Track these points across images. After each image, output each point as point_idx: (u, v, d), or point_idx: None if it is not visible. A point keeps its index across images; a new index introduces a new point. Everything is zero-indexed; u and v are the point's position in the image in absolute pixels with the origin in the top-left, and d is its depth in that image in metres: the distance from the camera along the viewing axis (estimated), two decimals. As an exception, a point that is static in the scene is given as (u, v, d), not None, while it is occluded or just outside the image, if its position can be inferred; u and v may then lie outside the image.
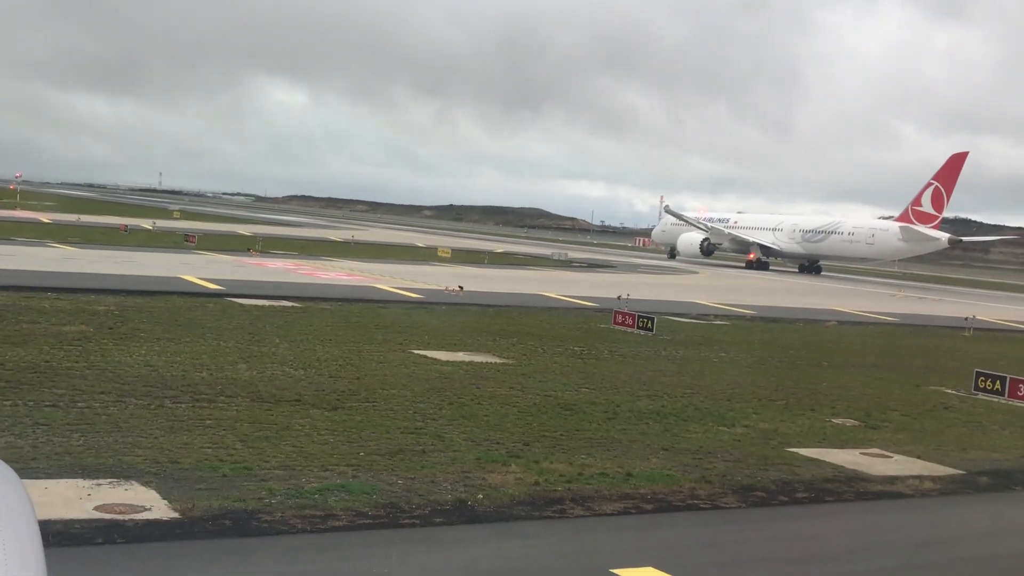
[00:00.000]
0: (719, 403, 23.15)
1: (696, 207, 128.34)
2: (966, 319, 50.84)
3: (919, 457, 19.17)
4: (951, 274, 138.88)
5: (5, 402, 16.92)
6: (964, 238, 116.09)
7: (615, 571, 11.54)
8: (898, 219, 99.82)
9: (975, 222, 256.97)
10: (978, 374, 28.21)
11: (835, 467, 17.72)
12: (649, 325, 35.73)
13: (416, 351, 27.11)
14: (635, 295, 47.77)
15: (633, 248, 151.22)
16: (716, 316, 46.20)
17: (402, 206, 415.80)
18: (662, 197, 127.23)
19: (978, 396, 27.36)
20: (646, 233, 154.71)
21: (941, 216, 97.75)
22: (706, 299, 54.74)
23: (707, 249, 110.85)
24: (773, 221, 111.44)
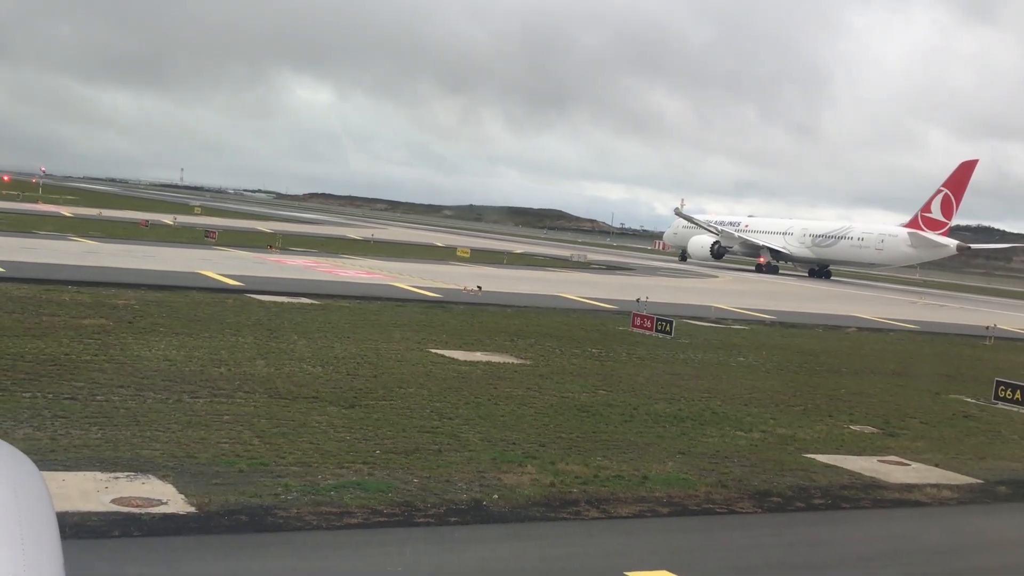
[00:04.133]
0: (737, 407, 23.06)
1: (716, 210, 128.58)
2: (987, 328, 50.53)
3: (937, 465, 19.05)
4: (972, 282, 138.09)
5: (24, 394, 17.02)
6: (972, 245, 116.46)
7: (629, 574, 11.50)
8: (907, 225, 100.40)
9: (997, 230, 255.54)
10: (998, 383, 28.02)
11: (852, 474, 17.63)
12: (667, 328, 35.64)
13: (434, 350, 27.13)
14: (654, 298, 47.68)
15: (652, 251, 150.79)
16: (735, 320, 46.05)
17: (422, 205, 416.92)
18: (682, 200, 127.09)
19: (997, 405, 27.17)
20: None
21: (950, 223, 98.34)
22: (725, 303, 54.56)
23: (717, 252, 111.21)
24: (783, 225, 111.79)
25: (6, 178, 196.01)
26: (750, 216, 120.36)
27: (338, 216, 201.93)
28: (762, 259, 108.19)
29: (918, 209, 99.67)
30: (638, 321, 37.04)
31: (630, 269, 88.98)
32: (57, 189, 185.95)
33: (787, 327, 46.25)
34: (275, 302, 35.04)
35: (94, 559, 10.33)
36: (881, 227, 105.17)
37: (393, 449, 15.83)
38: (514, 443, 17.13)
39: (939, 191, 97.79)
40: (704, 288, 71.09)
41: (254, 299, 35.46)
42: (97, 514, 11.54)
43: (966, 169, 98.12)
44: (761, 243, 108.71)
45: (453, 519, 12.87)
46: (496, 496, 13.86)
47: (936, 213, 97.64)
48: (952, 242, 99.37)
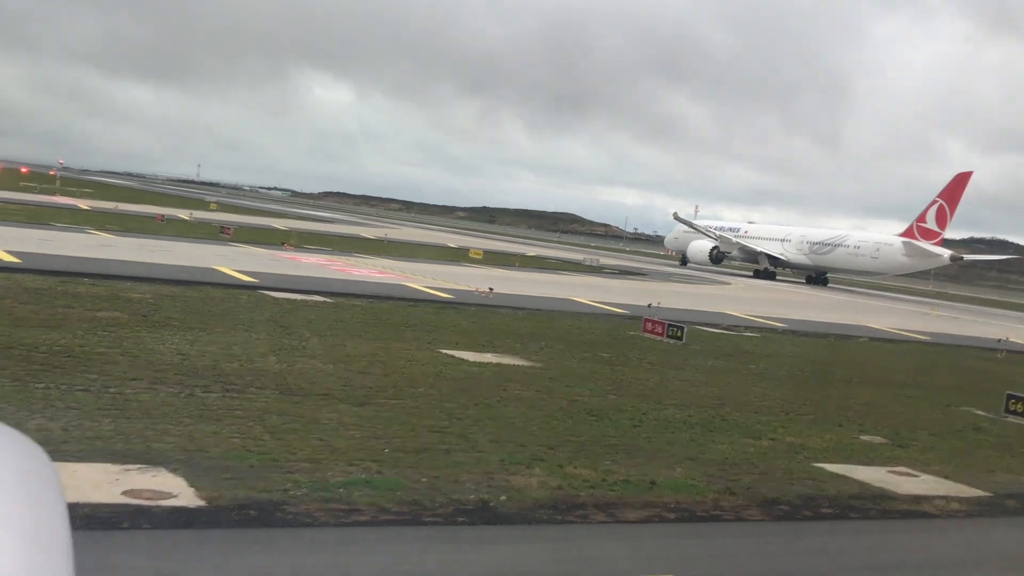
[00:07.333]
0: (746, 415, 23.04)
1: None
2: (999, 341, 50.35)
3: (946, 477, 19.00)
4: (985, 295, 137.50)
5: (38, 385, 17.13)
6: (967, 256, 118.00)
7: (635, 578, 11.52)
8: (903, 235, 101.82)
9: (1012, 243, 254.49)
10: (1009, 396, 27.90)
11: (861, 484, 17.59)
12: (679, 334, 35.61)
13: (444, 351, 27.17)
14: (665, 303, 47.63)
15: (665, 256, 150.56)
16: (746, 328, 45.99)
17: (436, 206, 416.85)
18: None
19: (1008, 419, 27.06)
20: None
21: (944, 233, 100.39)
22: (737, 310, 54.49)
23: (716, 257, 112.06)
24: (782, 232, 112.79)
25: (24, 170, 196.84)
26: (750, 223, 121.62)
27: (352, 215, 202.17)
28: (760, 265, 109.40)
29: (913, 219, 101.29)
30: (649, 326, 37.01)
31: (643, 274, 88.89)
32: (75, 182, 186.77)
33: (798, 336, 46.16)
34: (288, 299, 35.15)
35: (104, 550, 10.40)
36: (877, 236, 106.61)
37: (402, 448, 15.88)
38: (523, 445, 17.15)
39: (934, 202, 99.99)
40: (716, 294, 70.99)
41: (268, 296, 35.58)
42: (108, 505, 11.62)
43: (961, 180, 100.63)
44: (759, 249, 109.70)
45: (461, 519, 12.91)
46: (504, 497, 13.89)
47: (931, 223, 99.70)
48: (946, 252, 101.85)
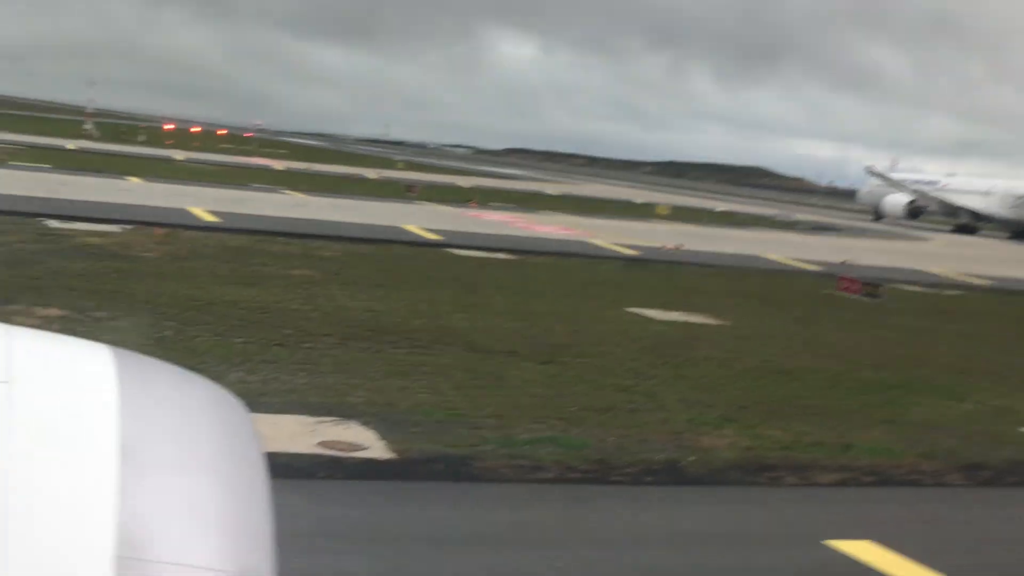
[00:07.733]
0: (948, 377, 21.96)
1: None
2: None
3: None
4: None
5: (237, 340, 17.82)
6: None
7: (828, 543, 11.14)
8: None
9: None
10: None
11: (1076, 451, 16.51)
12: (876, 292, 34.28)
13: (630, 308, 26.91)
14: (862, 261, 45.99)
15: (860, 211, 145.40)
16: (948, 286, 43.89)
17: (621, 161, 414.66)
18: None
19: None
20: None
21: None
22: (937, 267, 52.07)
23: (913, 212, 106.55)
24: (984, 185, 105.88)
25: (221, 132, 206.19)
26: (949, 175, 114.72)
27: (536, 172, 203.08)
28: (961, 220, 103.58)
29: None
30: (844, 284, 35.75)
31: (837, 229, 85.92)
32: (270, 143, 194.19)
33: (1005, 294, 43.73)
34: (473, 257, 35.55)
35: (300, 499, 10.72)
36: None
37: (588, 406, 15.78)
38: (711, 405, 16.81)
39: None
40: (914, 251, 68.03)
41: (453, 253, 36.09)
42: (304, 456, 11.99)
43: None
44: (959, 203, 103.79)
45: (648, 479, 12.76)
46: (693, 458, 13.65)
47: None
48: None
